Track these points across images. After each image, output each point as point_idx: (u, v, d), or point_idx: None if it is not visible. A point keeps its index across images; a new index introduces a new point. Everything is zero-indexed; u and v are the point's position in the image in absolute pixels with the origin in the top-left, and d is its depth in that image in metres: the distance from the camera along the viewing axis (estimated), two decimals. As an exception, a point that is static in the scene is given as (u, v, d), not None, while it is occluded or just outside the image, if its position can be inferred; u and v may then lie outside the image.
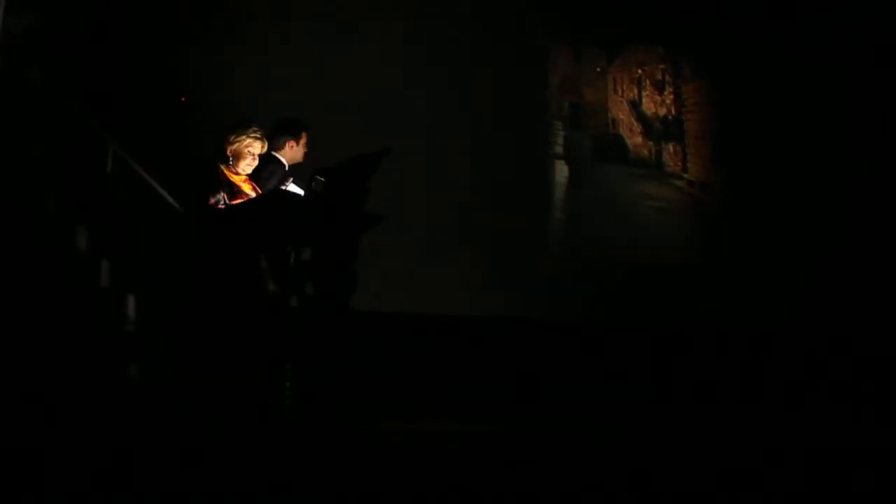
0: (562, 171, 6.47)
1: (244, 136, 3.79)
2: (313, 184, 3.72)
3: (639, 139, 6.76)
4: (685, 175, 6.79)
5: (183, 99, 5.15)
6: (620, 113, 6.74)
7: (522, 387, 5.51)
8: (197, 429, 3.28)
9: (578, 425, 4.52)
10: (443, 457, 3.14)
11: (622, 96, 6.77)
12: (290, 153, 4.24)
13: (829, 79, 6.81)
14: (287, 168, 4.20)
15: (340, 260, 3.55)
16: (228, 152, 3.80)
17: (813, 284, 6.40)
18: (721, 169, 6.78)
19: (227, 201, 3.71)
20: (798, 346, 6.22)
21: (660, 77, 6.90)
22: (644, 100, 6.82)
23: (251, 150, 3.81)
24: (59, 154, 4.51)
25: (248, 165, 3.83)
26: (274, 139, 4.07)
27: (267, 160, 4.02)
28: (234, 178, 3.80)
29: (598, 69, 6.69)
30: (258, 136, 3.82)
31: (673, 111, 6.86)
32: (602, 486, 2.67)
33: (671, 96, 6.89)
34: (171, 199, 4.67)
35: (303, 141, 4.27)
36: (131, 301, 4.23)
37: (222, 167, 3.79)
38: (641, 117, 6.79)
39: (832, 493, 2.67)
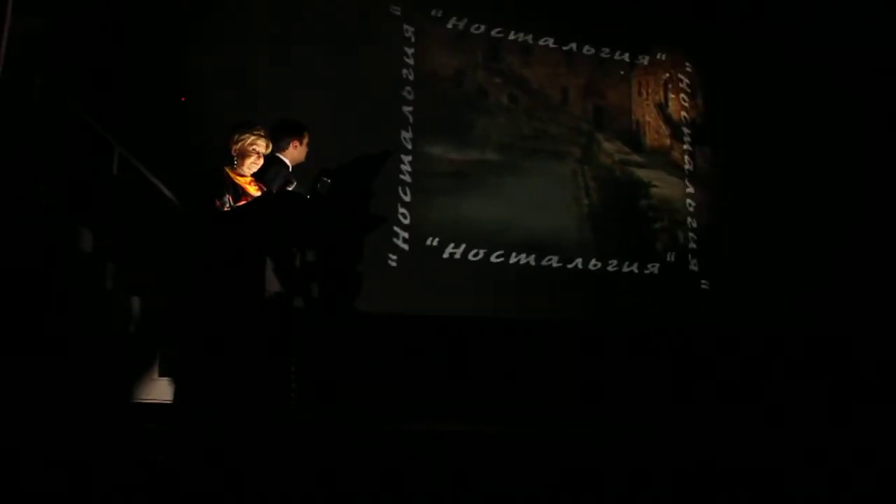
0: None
1: (248, 135, 3.77)
2: (319, 185, 3.74)
3: (667, 142, 6.85)
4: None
5: (183, 99, 5.14)
6: (647, 116, 6.83)
7: (524, 386, 5.51)
8: (202, 428, 3.29)
9: (579, 425, 4.53)
10: (445, 457, 3.16)
11: (647, 99, 6.86)
12: (294, 153, 4.26)
13: (833, 81, 6.87)
14: (290, 169, 4.22)
15: (345, 261, 3.56)
16: (233, 152, 3.78)
17: (813, 284, 6.44)
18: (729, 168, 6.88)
19: (233, 204, 3.72)
20: (797, 346, 6.25)
21: (689, 81, 7.01)
22: (671, 103, 6.92)
23: (256, 148, 3.79)
24: (64, 157, 4.50)
25: (253, 164, 3.81)
26: (277, 140, 4.08)
27: (271, 161, 4.03)
28: (240, 181, 3.79)
29: (622, 72, 6.79)
30: (262, 134, 3.81)
31: (702, 114, 6.99)
32: (602, 486, 2.68)
33: (701, 100, 7.00)
34: (177, 201, 4.67)
35: (305, 141, 4.29)
36: (136, 302, 4.23)
37: (227, 170, 3.79)
38: (668, 120, 6.89)
39: (832, 493, 2.68)
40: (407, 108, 5.91)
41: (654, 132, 6.82)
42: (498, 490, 2.59)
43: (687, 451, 3.58)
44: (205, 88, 5.10)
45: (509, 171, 6.20)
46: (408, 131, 5.87)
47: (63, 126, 4.49)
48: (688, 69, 7.02)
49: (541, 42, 6.54)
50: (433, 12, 6.19)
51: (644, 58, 6.86)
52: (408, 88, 5.95)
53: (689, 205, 6.75)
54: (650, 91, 6.88)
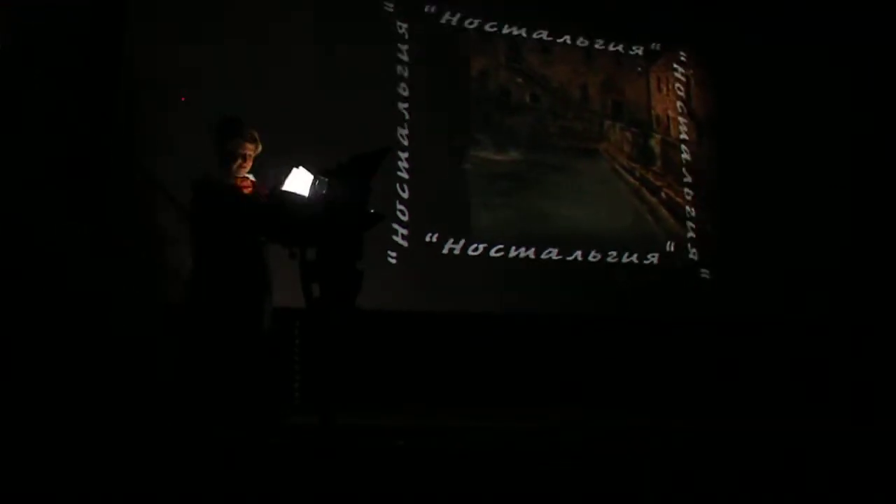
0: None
1: (235, 138, 3.69)
2: (317, 183, 3.71)
3: (680, 135, 6.89)
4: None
5: (183, 99, 5.14)
6: (669, 111, 6.89)
7: (524, 384, 5.52)
8: (204, 429, 3.30)
9: (577, 423, 4.54)
10: (447, 456, 3.16)
11: (668, 94, 6.91)
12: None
13: (838, 80, 6.89)
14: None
15: (345, 259, 3.54)
16: (222, 156, 3.71)
17: (814, 277, 6.46)
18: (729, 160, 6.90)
19: (230, 205, 3.67)
20: (795, 344, 6.27)
21: (683, 71, 7.04)
22: (693, 99, 6.97)
23: (244, 151, 3.70)
24: (60, 155, 4.49)
25: (240, 168, 3.73)
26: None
27: None
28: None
29: (639, 69, 6.82)
30: (247, 135, 3.72)
31: (706, 108, 7.01)
32: (601, 485, 2.68)
33: (705, 94, 7.02)
34: (175, 201, 4.67)
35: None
36: (136, 302, 4.24)
37: (220, 174, 3.72)
38: (692, 115, 6.93)
39: (831, 492, 2.67)
40: (403, 105, 5.92)
41: (676, 126, 6.87)
42: (499, 488, 2.59)
43: (686, 446, 3.59)
44: (203, 87, 5.09)
45: (511, 168, 6.23)
46: (404, 128, 5.88)
47: (62, 124, 4.48)
48: (683, 58, 7.02)
49: (535, 35, 6.55)
50: (427, 8, 6.19)
51: (639, 48, 6.86)
52: (403, 85, 5.95)
53: (687, 193, 6.77)
54: (670, 87, 6.92)
